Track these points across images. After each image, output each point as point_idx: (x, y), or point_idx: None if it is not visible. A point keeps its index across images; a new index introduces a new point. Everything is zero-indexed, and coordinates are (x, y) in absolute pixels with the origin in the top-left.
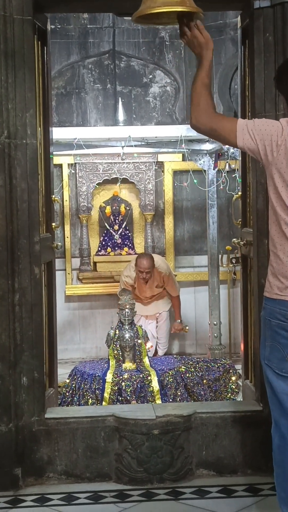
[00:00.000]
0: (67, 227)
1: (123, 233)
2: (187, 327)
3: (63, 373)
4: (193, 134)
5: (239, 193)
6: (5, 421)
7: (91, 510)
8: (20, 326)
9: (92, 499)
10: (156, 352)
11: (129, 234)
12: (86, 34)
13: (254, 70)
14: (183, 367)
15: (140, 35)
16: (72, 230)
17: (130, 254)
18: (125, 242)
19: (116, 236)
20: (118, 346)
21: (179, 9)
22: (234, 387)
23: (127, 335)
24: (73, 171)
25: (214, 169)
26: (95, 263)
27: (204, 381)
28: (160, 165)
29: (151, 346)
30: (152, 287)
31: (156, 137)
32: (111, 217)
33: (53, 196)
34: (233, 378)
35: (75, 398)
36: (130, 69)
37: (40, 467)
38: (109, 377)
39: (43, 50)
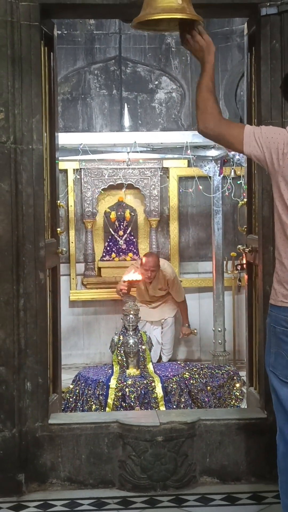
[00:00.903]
0: (72, 233)
1: (127, 239)
2: (195, 330)
3: (66, 379)
4: (199, 140)
5: (245, 199)
6: (8, 427)
7: None
8: (24, 331)
9: (95, 506)
10: (160, 358)
11: (134, 239)
12: (93, 40)
13: (261, 77)
14: (187, 373)
15: (146, 41)
16: (76, 236)
17: (134, 259)
18: (130, 248)
19: (121, 242)
20: (122, 352)
21: (179, 16)
22: (238, 394)
23: (131, 341)
24: (78, 177)
25: (219, 175)
26: (99, 268)
27: (208, 387)
28: (166, 171)
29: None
30: (155, 288)
31: (161, 143)
32: (116, 223)
33: (58, 201)
34: (237, 385)
35: (79, 404)
36: (136, 75)
37: (43, 473)
38: (113, 383)
39: (50, 55)
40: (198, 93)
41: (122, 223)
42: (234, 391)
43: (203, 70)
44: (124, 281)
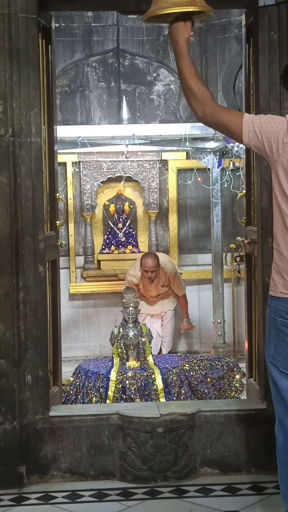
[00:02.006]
0: (71, 225)
1: (127, 231)
2: (192, 324)
3: (67, 371)
4: (197, 132)
5: (243, 191)
6: (9, 419)
7: (95, 508)
8: (24, 324)
9: (96, 497)
10: (160, 350)
11: (133, 232)
12: (90, 32)
13: (259, 68)
14: (187, 365)
15: (144, 33)
16: (76, 228)
17: (134, 252)
18: (129, 240)
19: (120, 234)
20: (122, 344)
21: (191, 9)
22: (238, 385)
23: (131, 333)
24: (77, 169)
25: (218, 167)
26: (99, 261)
27: (208, 379)
28: (164, 163)
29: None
30: (157, 286)
31: (160, 135)
32: (115, 215)
33: (57, 194)
34: (237, 377)
35: (79, 396)
36: (134, 67)
37: (44, 465)
38: (113, 375)
39: (48, 48)
40: (182, 81)
41: (121, 216)
42: (234, 382)
43: (179, 55)
44: None
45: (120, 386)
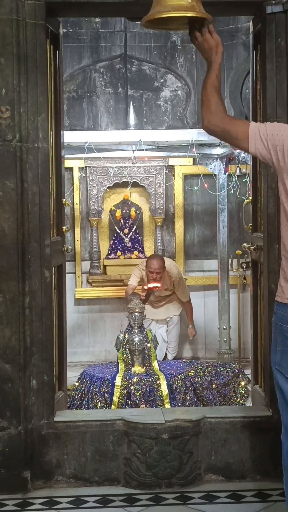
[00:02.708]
0: (77, 231)
1: (133, 237)
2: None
3: (72, 376)
4: (204, 138)
5: (250, 197)
6: (14, 424)
7: None
8: (30, 329)
9: (100, 503)
10: (165, 356)
11: (139, 237)
12: (98, 38)
13: (266, 75)
14: (192, 371)
15: (151, 39)
16: (82, 234)
17: (140, 257)
18: (135, 246)
19: (126, 240)
20: (127, 349)
21: (189, 14)
22: (243, 392)
23: (136, 339)
24: (83, 175)
25: (224, 173)
26: (105, 266)
27: (213, 385)
28: (171, 169)
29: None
30: (161, 289)
31: (167, 141)
32: (121, 221)
33: (64, 199)
34: (242, 383)
35: (84, 402)
36: (142, 73)
37: (49, 470)
38: (118, 380)
39: (55, 54)
40: (203, 91)
41: (127, 221)
42: (239, 389)
43: (209, 69)
44: (145, 289)
45: (125, 391)
